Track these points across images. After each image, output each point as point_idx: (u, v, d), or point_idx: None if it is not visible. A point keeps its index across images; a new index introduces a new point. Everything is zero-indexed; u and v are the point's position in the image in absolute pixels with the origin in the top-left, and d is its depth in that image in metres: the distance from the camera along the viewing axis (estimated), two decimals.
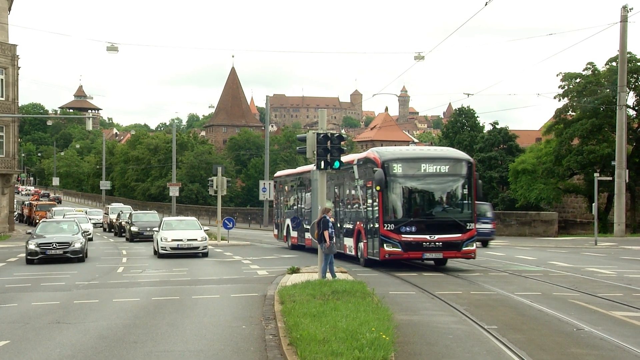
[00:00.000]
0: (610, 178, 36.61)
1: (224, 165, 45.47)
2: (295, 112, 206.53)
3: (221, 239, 34.03)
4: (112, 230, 45.71)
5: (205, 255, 26.09)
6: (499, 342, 9.66)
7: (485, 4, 20.90)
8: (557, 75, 44.46)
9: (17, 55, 41.90)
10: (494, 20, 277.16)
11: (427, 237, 18.90)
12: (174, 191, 52.00)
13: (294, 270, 18.31)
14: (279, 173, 33.97)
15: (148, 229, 34.91)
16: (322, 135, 16.31)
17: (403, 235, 18.85)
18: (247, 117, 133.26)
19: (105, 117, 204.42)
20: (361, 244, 20.71)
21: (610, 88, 39.54)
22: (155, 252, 26.98)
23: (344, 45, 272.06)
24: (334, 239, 16.22)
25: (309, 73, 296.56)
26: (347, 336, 8.66)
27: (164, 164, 79.51)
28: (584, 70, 44.11)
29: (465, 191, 19.59)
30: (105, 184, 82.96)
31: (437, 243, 18.96)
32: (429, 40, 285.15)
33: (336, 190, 23.59)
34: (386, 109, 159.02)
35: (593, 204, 41.54)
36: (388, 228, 18.89)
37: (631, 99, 42.39)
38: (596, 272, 18.97)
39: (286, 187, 31.15)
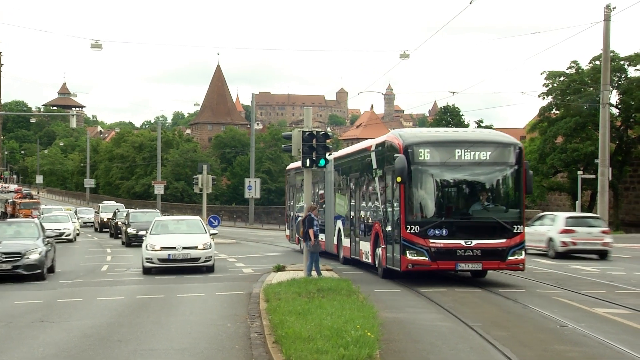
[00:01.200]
0: (593, 176, 36.92)
1: (209, 163, 45.36)
2: (281, 110, 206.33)
3: None
4: (106, 230, 42.63)
5: (210, 269, 19.37)
6: (483, 339, 9.71)
7: (470, 2, 20.93)
8: (542, 73, 44.77)
9: (0, 52, 41.59)
10: (480, 18, 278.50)
11: (463, 242, 15.01)
12: (159, 189, 51.79)
13: (280, 268, 18.30)
14: (290, 166, 29.91)
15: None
16: (307, 133, 16.32)
17: (431, 240, 14.92)
18: (232, 115, 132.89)
19: (90, 114, 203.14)
20: (379, 250, 16.71)
21: (594, 86, 39.84)
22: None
23: (329, 43, 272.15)
24: (319, 237, 16.21)
25: (295, 71, 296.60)
26: (332, 334, 8.67)
27: (149, 161, 79.14)
28: (567, 69, 44.45)
29: (512, 184, 15.66)
30: (89, 182, 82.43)
31: (475, 251, 15.06)
32: (415, 38, 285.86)
33: (352, 184, 19.73)
34: (372, 107, 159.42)
35: (577, 202, 41.99)
36: (412, 231, 14.99)
37: (614, 97, 42.78)
38: (580, 270, 19.12)
39: (297, 181, 26.25)
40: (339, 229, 21.08)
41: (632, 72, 43.07)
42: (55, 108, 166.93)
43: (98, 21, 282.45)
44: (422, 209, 15.38)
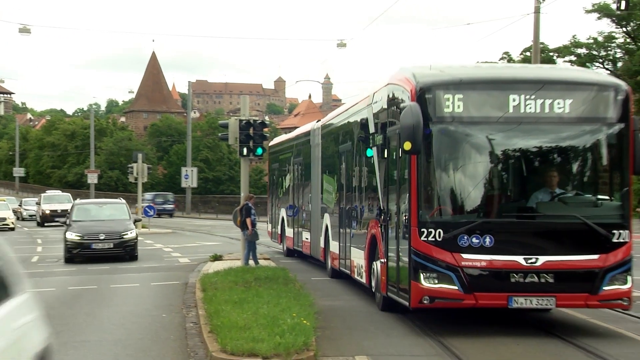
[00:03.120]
0: None
1: (144, 151, 44.64)
2: (219, 98, 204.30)
3: (142, 227, 33.43)
4: (52, 225, 36.47)
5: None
6: (414, 325, 9.88)
7: None
8: (475, 64, 45.68)
9: None
10: (416, 9, 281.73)
11: (521, 260, 8.86)
12: (92, 178, 50.63)
13: (217, 258, 18.19)
14: (274, 141, 23.27)
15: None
16: (244, 121, 16.22)
17: (465, 256, 8.88)
18: (168, 103, 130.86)
19: (19, 101, 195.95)
20: (377, 265, 10.72)
21: None
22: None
23: (267, 31, 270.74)
24: (256, 225, 16.16)
25: (232, 59, 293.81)
26: (268, 322, 8.68)
27: (82, 150, 77.30)
28: (500, 60, 45.47)
29: (612, 158, 9.29)
30: (19, 171, 79.84)
31: (543, 274, 8.89)
32: (352, 27, 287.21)
33: (343, 162, 13.48)
34: (310, 96, 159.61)
35: None
36: (430, 237, 8.92)
37: None
38: None
39: (281, 162, 20.94)
40: (326, 227, 14.91)
41: (560, 63, 44.43)
42: None
43: (27, 5, 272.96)
44: (447, 200, 9.17)
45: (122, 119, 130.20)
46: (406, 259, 9.26)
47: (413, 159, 9.00)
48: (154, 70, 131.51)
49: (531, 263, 8.90)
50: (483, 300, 8.96)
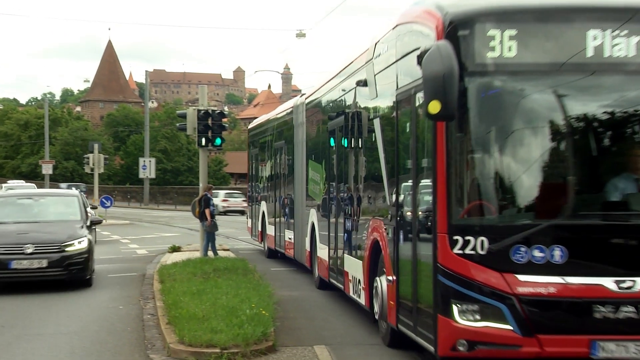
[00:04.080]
0: None
1: (101, 142, 43.92)
2: (177, 88, 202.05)
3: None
4: None
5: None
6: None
7: None
8: None
9: None
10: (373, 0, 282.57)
11: (610, 282, 5.90)
12: (46, 169, 49.63)
13: (175, 249, 18.03)
14: (253, 123, 20.48)
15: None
16: (202, 112, 16.06)
17: (522, 277, 5.92)
18: (125, 93, 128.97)
19: None
20: (380, 283, 7.96)
21: None
22: None
23: (226, 20, 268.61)
24: (215, 216, 16.04)
25: (191, 48, 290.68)
26: (227, 313, 8.63)
27: (36, 140, 75.68)
28: None
29: None
30: None
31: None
32: (311, 17, 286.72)
33: (334, 141, 10.57)
34: (269, 86, 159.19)
35: None
36: (466, 249, 5.97)
37: None
38: None
39: (261, 147, 18.21)
40: (313, 226, 12.28)
41: None
42: None
43: None
44: (494, 192, 6.21)
45: (78, 108, 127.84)
46: (429, 281, 6.15)
47: (440, 130, 5.98)
48: (110, 59, 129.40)
49: (626, 288, 5.84)
50: (552, 347, 5.86)
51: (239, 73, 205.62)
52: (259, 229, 18.07)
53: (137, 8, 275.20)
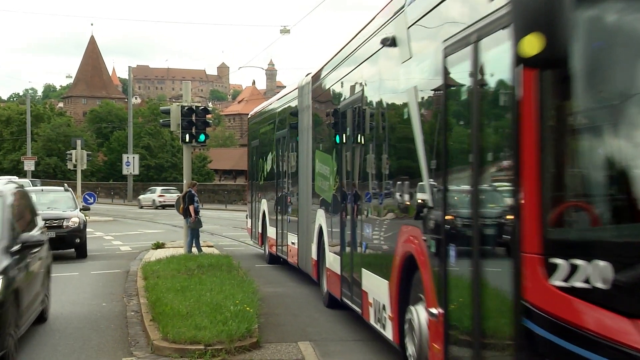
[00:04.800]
0: None
1: (84, 138, 43.51)
2: (160, 84, 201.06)
3: None
4: None
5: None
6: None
7: None
8: None
9: None
10: None
11: None
12: (29, 165, 49.22)
13: (159, 246, 17.97)
14: (254, 111, 18.71)
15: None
16: (186, 108, 15.99)
17: None
18: (108, 89, 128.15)
19: None
20: (418, 315, 5.74)
21: None
22: None
23: (210, 16, 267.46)
24: (200, 213, 15.99)
25: (174, 44, 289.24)
26: (211, 310, 8.61)
27: (18, 136, 75.04)
28: None
29: None
30: None
31: None
32: (296, 13, 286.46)
33: (345, 129, 8.80)
34: (253, 83, 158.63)
35: None
36: (571, 279, 3.63)
37: None
38: None
39: (262, 138, 16.42)
40: (320, 230, 10.35)
41: None
42: None
43: None
44: (622, 192, 3.76)
45: (60, 104, 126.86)
46: (505, 325, 4.09)
47: (531, 90, 3.78)
48: (93, 55, 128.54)
49: None
50: None
51: (223, 69, 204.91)
52: (259, 230, 16.02)
53: (120, 3, 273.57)
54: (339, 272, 9.07)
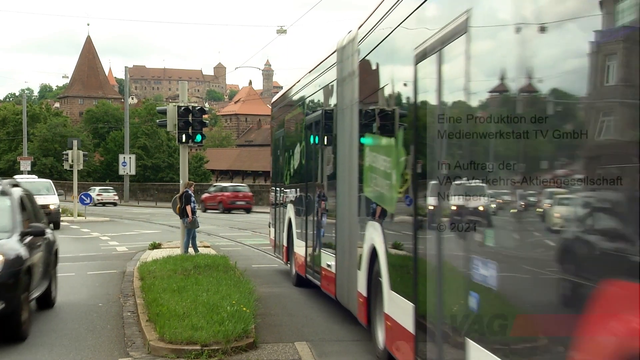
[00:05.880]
0: None
1: (80, 138, 43.54)
2: (157, 84, 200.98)
3: (78, 215, 32.70)
4: None
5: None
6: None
7: None
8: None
9: None
10: None
11: None
12: (25, 165, 49.13)
13: (156, 246, 17.95)
14: (278, 94, 15.68)
15: None
16: (183, 108, 15.99)
17: None
18: (105, 89, 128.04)
19: None
20: None
21: None
22: None
23: (206, 16, 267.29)
24: (196, 213, 15.98)
25: (171, 44, 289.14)
26: (207, 310, 8.61)
27: (14, 136, 74.93)
28: None
29: None
30: None
31: None
32: (292, 13, 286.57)
33: (425, 104, 5.37)
34: (250, 83, 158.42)
35: None
36: None
37: None
38: None
39: (288, 126, 13.38)
40: (373, 252, 7.11)
41: None
42: None
43: None
44: None
45: (57, 104, 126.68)
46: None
47: None
48: (89, 55, 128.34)
49: None
50: None
51: (219, 69, 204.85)
52: (284, 243, 12.93)
53: (116, 3, 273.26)
54: (411, 326, 5.49)
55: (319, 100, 10.31)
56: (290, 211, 12.46)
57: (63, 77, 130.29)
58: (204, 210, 38.79)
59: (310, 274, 10.85)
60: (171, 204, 16.88)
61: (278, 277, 13.46)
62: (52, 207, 24.81)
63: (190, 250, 15.68)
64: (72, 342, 8.37)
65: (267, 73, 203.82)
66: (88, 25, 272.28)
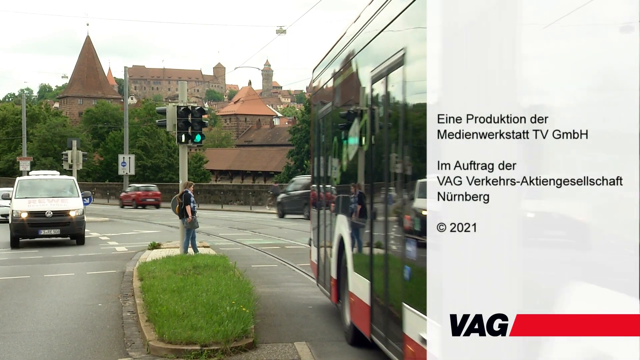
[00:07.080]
0: None
1: (79, 138, 43.60)
2: (157, 84, 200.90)
3: None
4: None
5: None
6: None
7: None
8: None
9: None
10: None
11: None
12: (24, 165, 49.07)
13: (155, 246, 17.94)
14: (321, 58, 10.28)
15: None
16: (182, 108, 15.99)
17: None
18: (104, 89, 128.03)
19: None
20: None
21: None
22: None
23: (206, 16, 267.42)
24: (196, 213, 15.97)
25: (170, 44, 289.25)
26: (207, 310, 8.60)
27: (13, 137, 74.95)
28: None
29: None
30: None
31: None
32: (291, 13, 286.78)
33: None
34: (249, 83, 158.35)
35: None
36: None
37: None
38: None
39: (335, 103, 8.76)
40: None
41: None
42: None
43: None
44: None
45: (56, 104, 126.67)
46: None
47: None
48: (88, 55, 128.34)
49: None
50: None
51: (219, 69, 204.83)
52: (333, 274, 8.71)
53: (116, 3, 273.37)
54: None
55: (390, 67, 6.00)
56: (341, 225, 8.21)
57: (62, 77, 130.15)
58: (122, 207, 45.89)
59: (379, 337, 6.38)
60: (171, 204, 16.87)
61: (278, 277, 13.42)
62: (72, 213, 19.48)
63: (190, 250, 15.67)
64: (72, 342, 8.36)
65: (267, 73, 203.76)
66: (87, 25, 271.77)
